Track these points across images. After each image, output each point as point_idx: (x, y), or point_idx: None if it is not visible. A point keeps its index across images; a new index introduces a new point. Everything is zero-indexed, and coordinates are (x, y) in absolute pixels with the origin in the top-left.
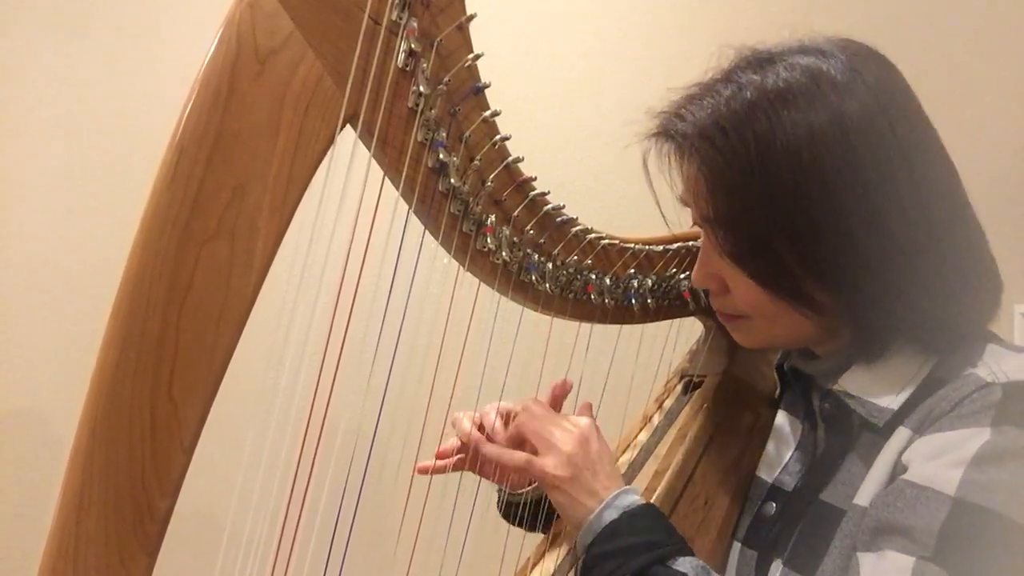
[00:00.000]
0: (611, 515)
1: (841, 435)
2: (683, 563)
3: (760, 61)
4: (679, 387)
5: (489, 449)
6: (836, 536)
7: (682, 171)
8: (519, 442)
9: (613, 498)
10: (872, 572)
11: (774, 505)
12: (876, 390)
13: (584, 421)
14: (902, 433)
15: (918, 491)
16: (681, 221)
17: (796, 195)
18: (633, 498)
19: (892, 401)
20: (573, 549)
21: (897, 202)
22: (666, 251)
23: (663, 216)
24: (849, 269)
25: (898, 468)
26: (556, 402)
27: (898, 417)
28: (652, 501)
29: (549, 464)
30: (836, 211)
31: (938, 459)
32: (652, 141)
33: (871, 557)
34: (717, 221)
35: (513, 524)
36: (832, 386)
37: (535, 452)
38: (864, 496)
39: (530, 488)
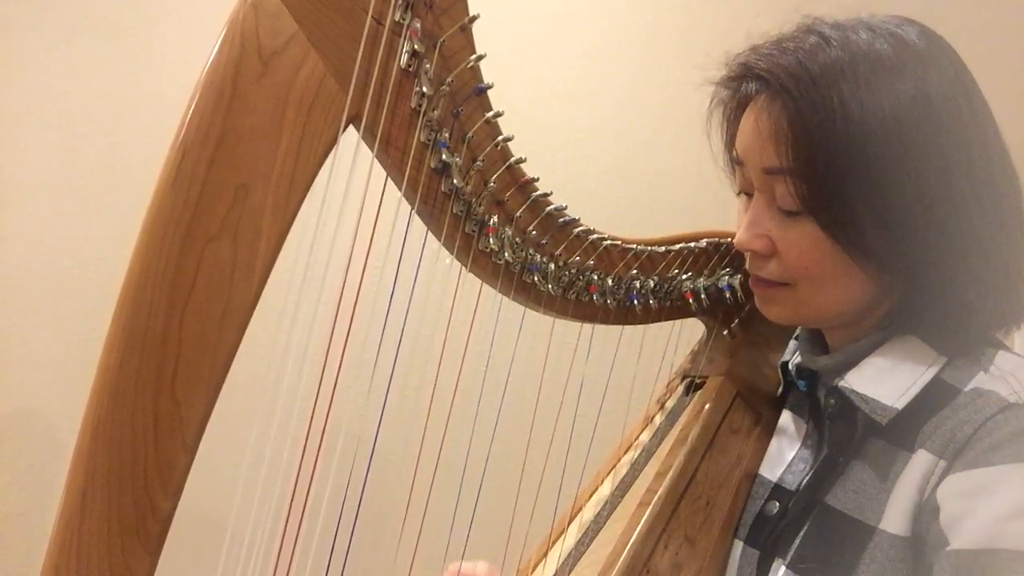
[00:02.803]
0: None
1: (846, 433)
2: None
3: (838, 23)
4: (681, 388)
5: None
6: (863, 558)
7: (748, 121)
8: None
9: None
10: None
11: (777, 504)
12: (881, 388)
13: None
14: (924, 457)
15: (975, 557)
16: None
17: (878, 152)
18: None
19: (897, 400)
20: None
21: (971, 171)
22: (668, 252)
23: (726, 166)
24: (917, 229)
25: (929, 502)
26: None
27: (903, 418)
28: (654, 502)
29: None
30: (913, 173)
31: (983, 509)
32: (723, 87)
33: None
34: (794, 167)
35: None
36: (838, 383)
37: None
38: (893, 523)
39: None
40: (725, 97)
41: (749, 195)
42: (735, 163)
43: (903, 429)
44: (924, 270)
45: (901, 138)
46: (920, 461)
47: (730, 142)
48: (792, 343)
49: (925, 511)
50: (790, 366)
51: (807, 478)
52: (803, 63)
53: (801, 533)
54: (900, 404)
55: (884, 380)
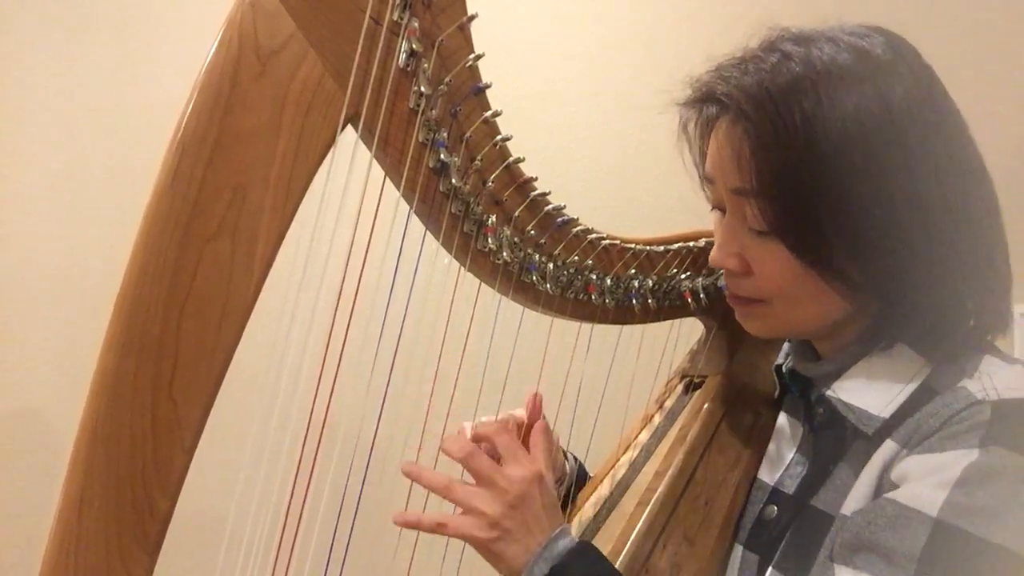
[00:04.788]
0: (541, 570)
1: (834, 441)
2: None
3: (802, 37)
4: (680, 387)
5: (401, 517)
6: (823, 544)
7: (714, 141)
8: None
9: (541, 551)
10: None
11: (775, 508)
12: (868, 398)
13: (529, 470)
14: (889, 445)
15: (900, 510)
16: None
17: (840, 168)
18: (562, 544)
19: (883, 410)
20: None
21: (937, 182)
22: (667, 251)
23: (699, 180)
24: (885, 245)
25: (884, 482)
26: (535, 417)
27: (888, 426)
28: (653, 501)
29: (476, 525)
30: (877, 187)
31: (924, 480)
32: (686, 109)
33: (847, 572)
34: (757, 190)
35: None
36: (826, 392)
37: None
38: (850, 507)
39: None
40: (690, 118)
41: (723, 211)
42: (706, 181)
43: (885, 435)
44: (898, 284)
45: (864, 152)
46: (885, 449)
47: (701, 159)
48: (786, 345)
49: (880, 491)
50: (783, 370)
51: (800, 483)
52: (763, 84)
53: (789, 538)
54: (886, 413)
55: (871, 389)
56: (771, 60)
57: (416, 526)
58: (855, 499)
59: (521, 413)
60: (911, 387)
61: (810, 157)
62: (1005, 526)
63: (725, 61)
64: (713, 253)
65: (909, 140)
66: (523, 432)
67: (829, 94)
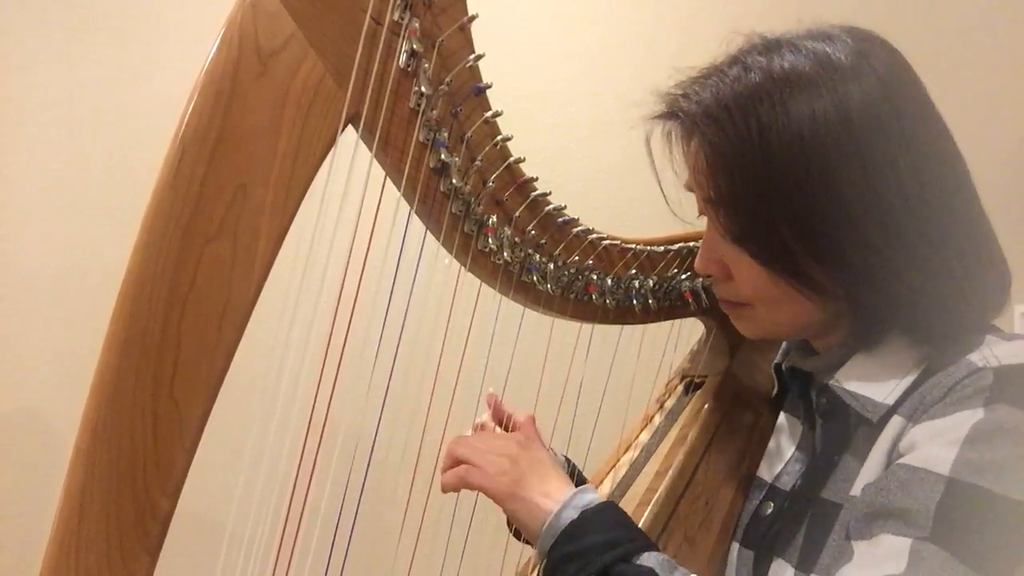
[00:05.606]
0: (570, 515)
1: (838, 431)
2: (648, 558)
3: (768, 45)
4: (680, 387)
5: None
6: (834, 530)
7: (686, 153)
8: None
9: (570, 498)
10: (866, 557)
11: (771, 505)
12: (872, 385)
13: (518, 434)
14: (896, 421)
15: (911, 472)
16: (683, 203)
17: (797, 177)
18: (591, 496)
19: (888, 396)
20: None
21: (898, 187)
22: (667, 252)
23: (665, 199)
24: (847, 250)
25: (894, 458)
26: (498, 415)
27: (892, 411)
28: (654, 501)
29: (490, 472)
30: (836, 194)
31: (932, 441)
32: (656, 122)
33: (864, 544)
34: (719, 201)
35: (522, 540)
36: (828, 381)
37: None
38: (859, 488)
39: None
40: (667, 130)
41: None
42: (687, 189)
43: (890, 415)
44: (867, 284)
45: (821, 159)
46: (892, 426)
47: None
48: (784, 344)
49: (891, 464)
50: (783, 368)
51: (801, 478)
52: (720, 97)
53: (802, 534)
54: (891, 400)
55: (874, 377)
56: (732, 73)
57: (443, 486)
58: (865, 479)
59: (486, 419)
60: (913, 374)
61: (767, 166)
62: (1017, 480)
63: (690, 76)
64: (697, 260)
65: (868, 144)
66: (503, 427)
67: (784, 102)
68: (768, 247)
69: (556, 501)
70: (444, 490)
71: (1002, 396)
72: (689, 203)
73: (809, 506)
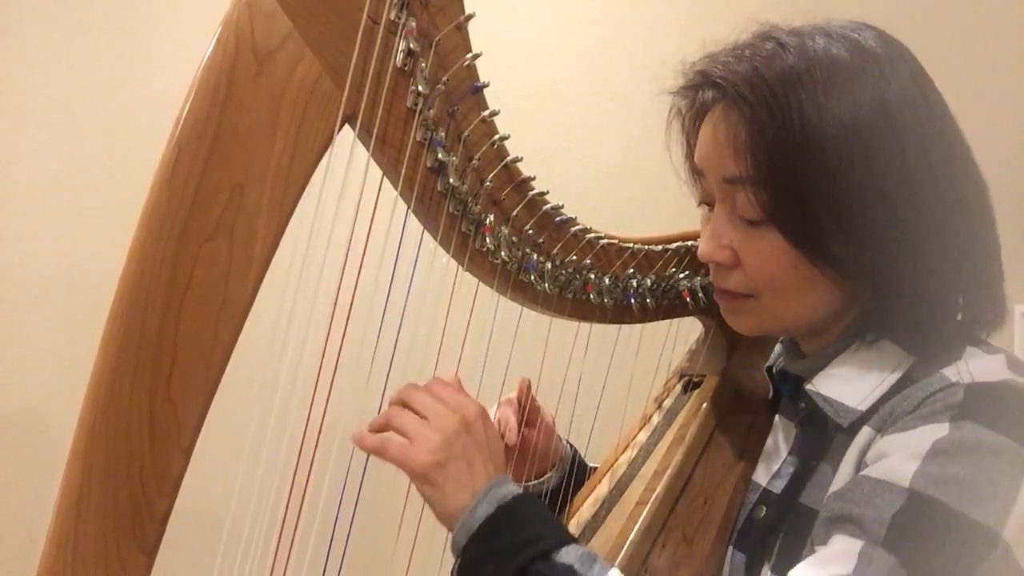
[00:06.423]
0: (486, 510)
1: (818, 436)
2: (566, 554)
3: (795, 30)
4: (678, 387)
5: (357, 438)
6: (810, 539)
7: (707, 130)
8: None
9: (486, 491)
10: (817, 557)
11: (764, 509)
12: (846, 391)
13: (472, 405)
14: (865, 432)
15: (874, 484)
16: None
17: (838, 159)
18: (507, 488)
19: (862, 402)
20: None
21: (932, 176)
22: (665, 251)
23: (684, 178)
24: (878, 236)
25: (861, 468)
26: (523, 408)
27: (864, 418)
28: (652, 500)
29: (413, 450)
30: (874, 179)
31: (896, 454)
32: (682, 96)
33: (822, 550)
34: (754, 176)
35: None
36: (806, 386)
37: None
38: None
39: (539, 481)
40: (683, 107)
41: (711, 206)
42: (695, 174)
43: (861, 423)
44: (889, 275)
45: (861, 144)
46: (861, 436)
47: (690, 153)
48: (777, 347)
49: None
50: (774, 371)
51: (788, 483)
52: (759, 70)
53: (786, 539)
54: (864, 406)
55: (851, 383)
56: (766, 48)
57: (359, 443)
58: (835, 488)
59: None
60: (890, 381)
61: (807, 146)
62: (976, 498)
63: (718, 50)
64: (702, 246)
65: (904, 135)
66: (524, 414)
67: (826, 86)
68: (800, 225)
69: (473, 494)
70: (361, 448)
71: (970, 414)
72: (687, 193)
73: (791, 511)
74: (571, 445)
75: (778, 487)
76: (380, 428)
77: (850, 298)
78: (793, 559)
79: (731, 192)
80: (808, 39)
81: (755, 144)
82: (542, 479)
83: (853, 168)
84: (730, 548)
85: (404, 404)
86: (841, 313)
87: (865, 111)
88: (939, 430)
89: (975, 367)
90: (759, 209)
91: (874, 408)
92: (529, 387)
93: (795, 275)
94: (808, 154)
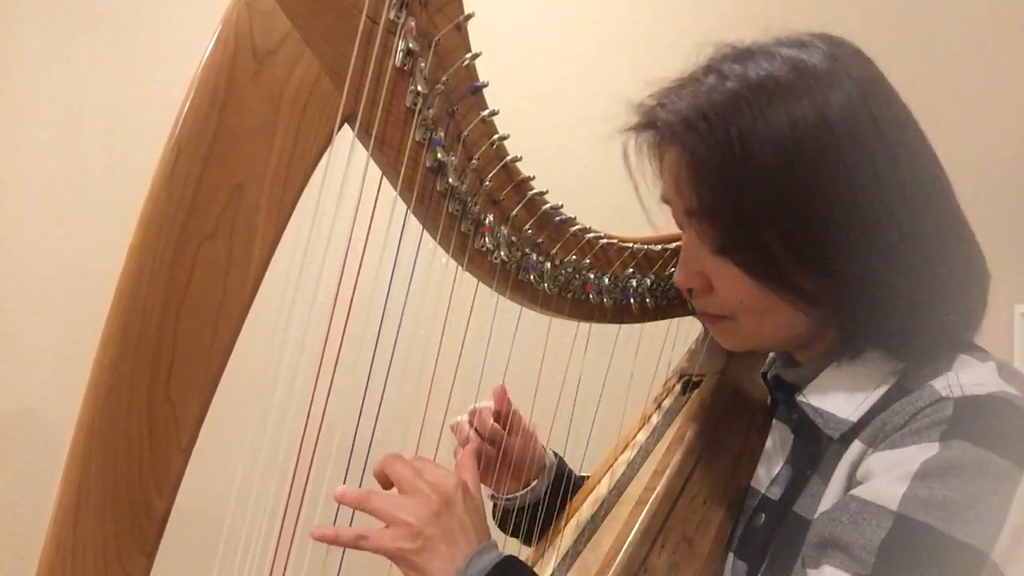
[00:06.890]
0: None
1: (809, 446)
2: None
3: (740, 54)
4: (678, 387)
5: (318, 531)
6: (802, 547)
7: (663, 164)
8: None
9: (467, 565)
10: None
11: (763, 516)
12: (837, 402)
13: (451, 480)
14: (856, 446)
15: (862, 506)
16: (665, 214)
17: (781, 184)
18: (490, 556)
19: (853, 412)
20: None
21: (879, 191)
22: (664, 250)
23: (643, 207)
24: (833, 255)
25: (852, 483)
26: (501, 406)
27: (855, 429)
28: (652, 501)
29: (390, 535)
30: (820, 199)
31: (884, 475)
32: (633, 134)
33: (813, 573)
34: (702, 212)
35: (510, 535)
36: (798, 397)
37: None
38: (824, 507)
39: (527, 490)
40: (637, 146)
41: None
42: (664, 202)
43: (852, 437)
44: (853, 292)
45: (803, 165)
46: (853, 450)
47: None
48: (771, 354)
49: (849, 490)
50: (768, 377)
51: (784, 490)
52: (698, 106)
53: (781, 548)
54: (854, 417)
55: (841, 393)
56: (708, 81)
57: (334, 541)
58: (827, 504)
59: (488, 404)
60: (881, 390)
61: (748, 174)
62: (965, 520)
63: (664, 86)
64: (676, 274)
65: (848, 149)
66: (503, 420)
67: (763, 109)
68: (753, 256)
69: (455, 571)
70: (340, 541)
71: (959, 431)
72: (666, 213)
73: (784, 520)
74: (555, 453)
75: (776, 493)
76: (357, 501)
77: (829, 313)
78: (781, 568)
79: (694, 222)
80: (751, 63)
81: (697, 179)
82: (526, 490)
83: (797, 191)
84: (731, 556)
85: (384, 477)
86: (825, 325)
87: (805, 132)
88: (928, 449)
89: (965, 379)
90: (711, 242)
91: (866, 419)
92: (505, 392)
93: (765, 299)
94: (751, 183)
